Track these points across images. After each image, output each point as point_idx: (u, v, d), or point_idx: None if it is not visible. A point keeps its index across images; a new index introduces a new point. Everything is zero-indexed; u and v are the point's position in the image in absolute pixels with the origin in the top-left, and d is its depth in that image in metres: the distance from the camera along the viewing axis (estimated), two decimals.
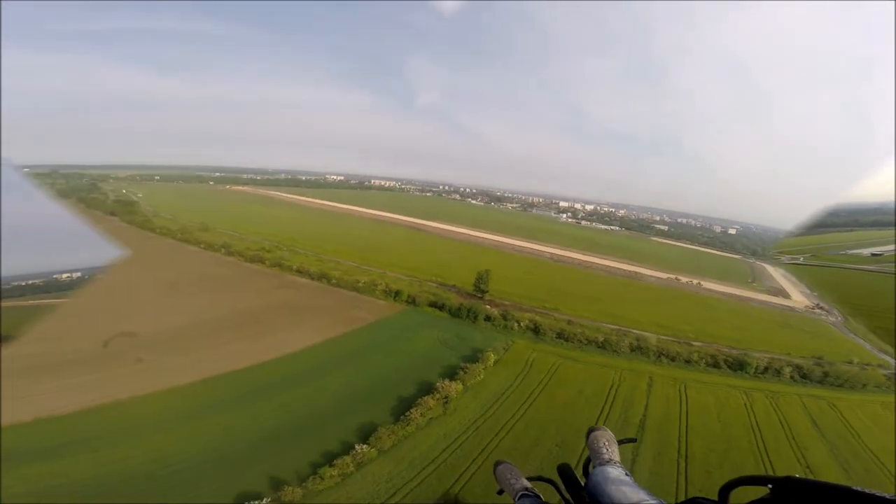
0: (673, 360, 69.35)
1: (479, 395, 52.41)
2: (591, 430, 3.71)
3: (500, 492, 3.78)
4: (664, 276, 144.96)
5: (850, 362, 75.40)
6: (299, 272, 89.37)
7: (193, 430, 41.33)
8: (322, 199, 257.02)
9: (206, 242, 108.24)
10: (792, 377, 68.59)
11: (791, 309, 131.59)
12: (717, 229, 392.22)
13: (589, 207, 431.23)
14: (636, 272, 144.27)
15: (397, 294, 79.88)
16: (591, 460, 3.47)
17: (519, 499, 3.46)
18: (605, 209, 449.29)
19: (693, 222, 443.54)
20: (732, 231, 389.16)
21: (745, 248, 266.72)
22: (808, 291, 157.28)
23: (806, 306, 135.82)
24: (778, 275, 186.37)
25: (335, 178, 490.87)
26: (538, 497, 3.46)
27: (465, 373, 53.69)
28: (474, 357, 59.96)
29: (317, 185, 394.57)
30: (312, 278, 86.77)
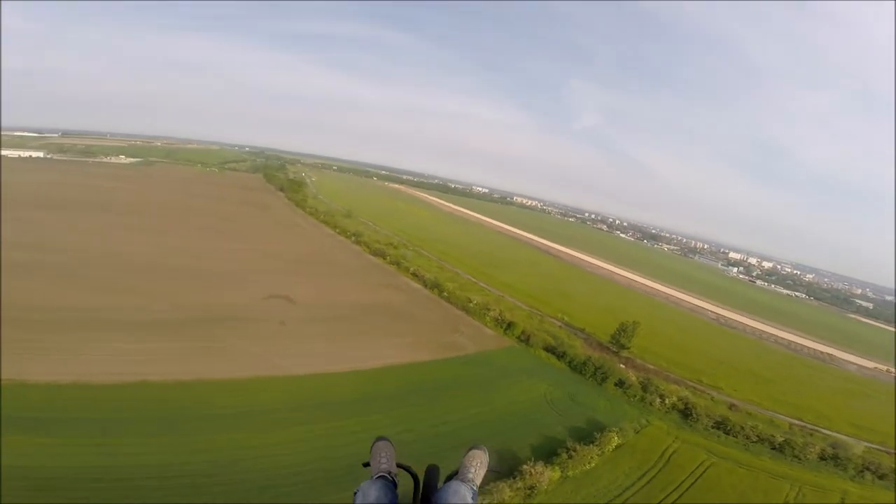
0: (881, 478, 46.87)
1: (582, 491, 35.58)
2: (472, 448, 3.84)
3: (366, 464, 3.72)
4: (868, 364, 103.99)
5: None
6: (414, 275, 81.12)
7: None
8: (464, 207, 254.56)
9: (341, 227, 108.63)
10: None
11: None
12: None
13: (767, 265, 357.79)
14: (828, 353, 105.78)
15: (510, 326, 65.22)
16: (458, 474, 3.56)
17: (376, 478, 3.39)
18: (787, 269, 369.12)
19: None
20: None
21: None
22: None
23: None
24: None
25: (481, 189, 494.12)
26: (394, 484, 3.39)
27: (571, 455, 37.12)
28: (589, 433, 42.80)
29: (463, 193, 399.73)
30: (425, 285, 77.49)
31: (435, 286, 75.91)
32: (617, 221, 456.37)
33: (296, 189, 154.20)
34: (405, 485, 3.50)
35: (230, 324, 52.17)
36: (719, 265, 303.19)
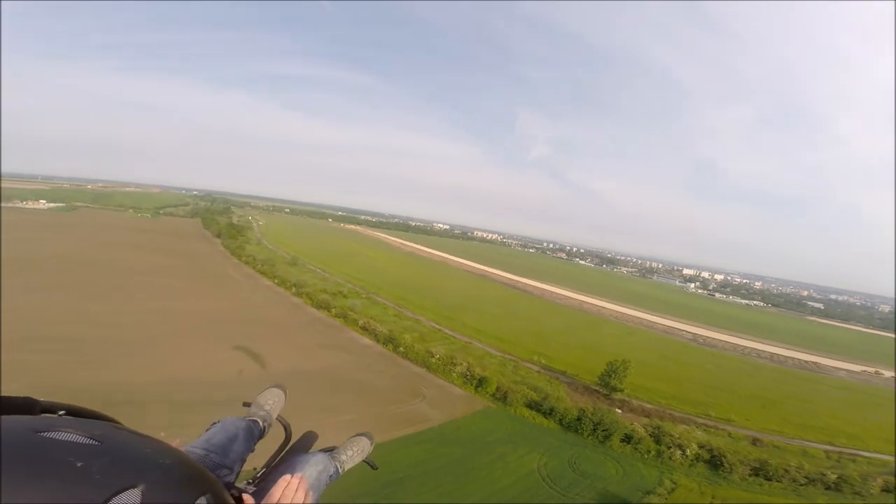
0: None
1: None
2: (360, 434, 3.85)
3: (247, 404, 3.58)
4: (855, 368, 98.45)
5: None
6: (364, 329, 67.68)
7: None
8: (425, 245, 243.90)
9: (282, 277, 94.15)
10: None
11: None
12: (886, 308, 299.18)
13: (719, 277, 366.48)
14: (813, 362, 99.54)
15: (482, 383, 52.44)
16: (333, 450, 3.47)
17: (239, 418, 3.22)
18: (738, 280, 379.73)
19: (851, 299, 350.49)
20: None
21: None
22: None
23: None
24: None
25: (441, 226, 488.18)
26: (260, 433, 3.27)
27: None
28: None
29: (424, 231, 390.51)
30: (377, 340, 64.10)
31: (389, 340, 62.66)
32: (575, 249, 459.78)
33: (234, 235, 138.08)
34: (275, 441, 3.28)
35: (119, 410, 36.73)
36: (677, 282, 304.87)
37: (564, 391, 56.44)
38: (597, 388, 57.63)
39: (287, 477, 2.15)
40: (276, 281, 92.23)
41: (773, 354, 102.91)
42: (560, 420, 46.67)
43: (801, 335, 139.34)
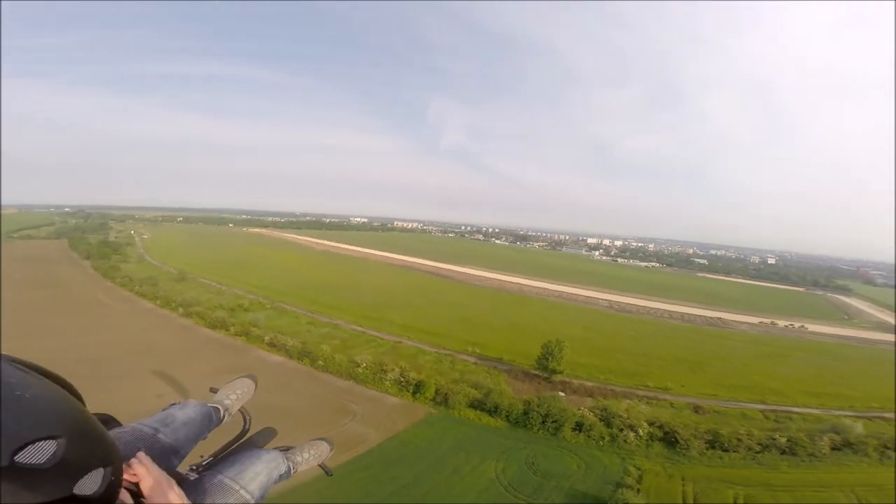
0: None
1: None
2: (321, 438, 3.75)
3: (214, 390, 3.49)
4: (754, 320, 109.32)
5: None
6: (272, 345, 58.13)
7: None
8: (341, 241, 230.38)
9: (166, 297, 79.31)
10: None
11: None
12: (756, 259, 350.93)
13: (618, 243, 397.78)
14: (718, 318, 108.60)
15: (419, 388, 46.68)
16: (288, 450, 3.35)
17: (201, 402, 3.08)
18: (635, 245, 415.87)
19: (727, 254, 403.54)
20: (772, 261, 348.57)
21: (802, 278, 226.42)
22: None
23: None
24: (867, 308, 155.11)
25: (359, 220, 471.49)
26: (219, 419, 3.13)
27: None
28: None
29: (340, 227, 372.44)
30: (290, 355, 55.09)
31: (304, 354, 53.91)
32: (490, 229, 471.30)
33: (106, 255, 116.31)
34: (232, 430, 3.18)
35: None
36: (583, 251, 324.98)
37: (505, 381, 52.83)
38: (536, 372, 54.91)
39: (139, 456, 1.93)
40: (158, 302, 77.36)
41: (682, 314, 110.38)
42: (507, 417, 42.62)
43: (699, 292, 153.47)
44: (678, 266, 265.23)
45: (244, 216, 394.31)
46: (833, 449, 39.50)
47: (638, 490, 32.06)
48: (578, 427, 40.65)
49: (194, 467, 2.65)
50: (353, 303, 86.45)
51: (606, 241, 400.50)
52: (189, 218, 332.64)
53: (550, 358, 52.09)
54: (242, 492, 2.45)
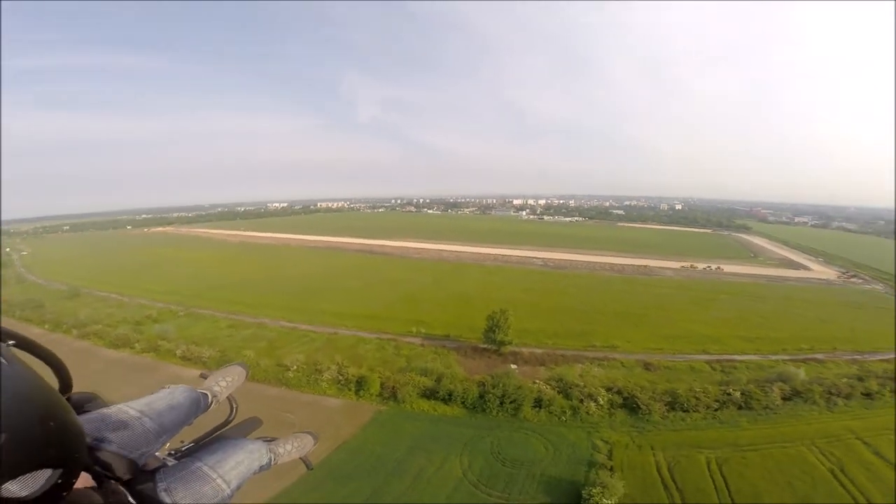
0: (848, 398, 41.13)
1: None
2: (306, 431, 3.69)
3: (204, 376, 3.46)
4: (676, 265, 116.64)
5: None
6: (186, 359, 49.82)
7: None
8: (258, 230, 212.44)
9: (55, 320, 66.27)
10: None
11: (828, 282, 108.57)
12: (665, 207, 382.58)
13: (542, 202, 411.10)
14: (644, 265, 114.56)
15: (361, 384, 41.76)
16: (272, 441, 3.34)
17: (190, 388, 2.99)
18: (557, 202, 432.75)
19: (640, 203, 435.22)
20: (679, 206, 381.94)
21: (707, 220, 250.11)
22: (814, 258, 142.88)
23: (839, 276, 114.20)
24: (767, 245, 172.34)
25: (277, 205, 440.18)
26: (206, 405, 3.05)
27: None
28: None
29: (256, 215, 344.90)
30: (207, 369, 47.57)
31: (224, 364, 46.77)
32: (422, 200, 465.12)
33: None
34: (217, 417, 3.15)
35: None
36: (511, 213, 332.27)
37: (456, 361, 49.61)
38: (485, 346, 52.37)
39: None
40: (46, 326, 64.23)
41: (611, 264, 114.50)
42: (463, 403, 39.33)
43: (622, 241, 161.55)
44: (599, 218, 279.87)
45: (144, 216, 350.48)
46: (784, 399, 40.29)
47: (611, 468, 30.50)
48: (538, 404, 38.41)
49: (173, 452, 2.59)
50: (278, 295, 78.16)
51: (531, 201, 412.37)
52: (77, 225, 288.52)
53: (497, 330, 49.53)
54: (219, 481, 2.37)
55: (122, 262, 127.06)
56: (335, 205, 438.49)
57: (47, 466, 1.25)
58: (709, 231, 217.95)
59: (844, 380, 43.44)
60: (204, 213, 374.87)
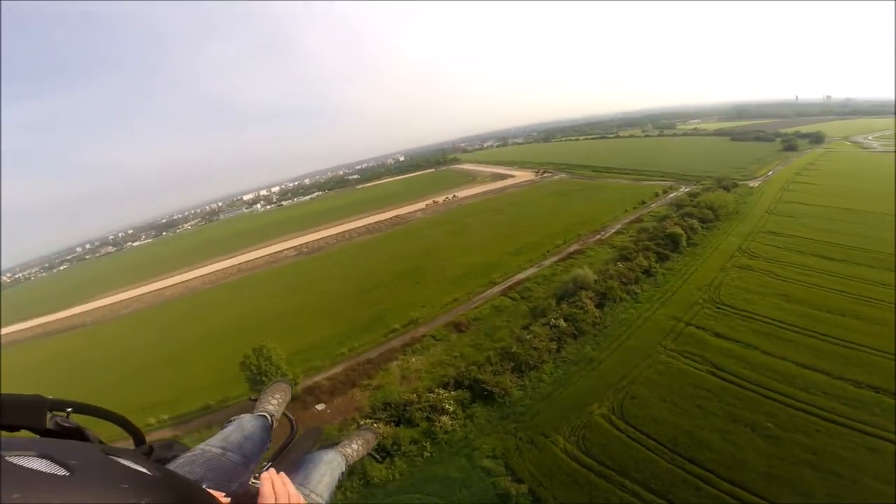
0: (637, 282, 44.66)
1: None
2: (363, 427, 3.78)
3: (254, 399, 3.50)
4: (422, 205, 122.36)
5: None
6: None
7: None
8: None
9: None
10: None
11: (532, 182, 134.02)
12: (391, 161, 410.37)
13: (276, 189, 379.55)
14: (396, 216, 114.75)
15: None
16: (339, 444, 3.40)
17: (257, 414, 3.12)
18: (291, 185, 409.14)
19: (369, 165, 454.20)
20: (402, 158, 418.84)
21: (427, 162, 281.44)
22: (511, 167, 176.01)
23: (536, 175, 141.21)
24: (476, 167, 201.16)
25: None
26: (268, 424, 3.09)
27: None
28: None
29: None
30: None
31: None
32: (122, 235, 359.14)
33: None
34: (280, 435, 3.20)
35: None
36: (244, 210, 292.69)
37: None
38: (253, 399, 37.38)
39: (268, 474, 2.01)
40: None
41: (366, 226, 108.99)
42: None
43: (367, 201, 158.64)
44: (338, 188, 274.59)
45: None
46: (597, 306, 39.73)
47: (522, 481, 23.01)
48: (385, 453, 27.25)
49: (257, 476, 2.56)
50: None
51: (264, 192, 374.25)
52: None
53: (263, 375, 35.14)
54: (313, 495, 2.45)
55: None
56: None
57: None
58: (432, 170, 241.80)
59: (618, 265, 46.70)
60: None
